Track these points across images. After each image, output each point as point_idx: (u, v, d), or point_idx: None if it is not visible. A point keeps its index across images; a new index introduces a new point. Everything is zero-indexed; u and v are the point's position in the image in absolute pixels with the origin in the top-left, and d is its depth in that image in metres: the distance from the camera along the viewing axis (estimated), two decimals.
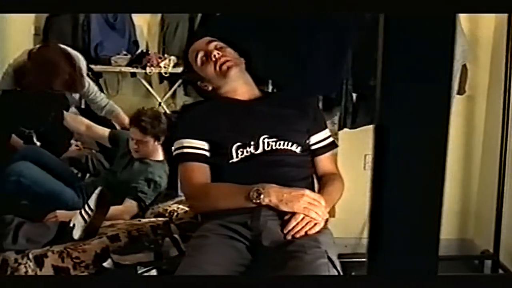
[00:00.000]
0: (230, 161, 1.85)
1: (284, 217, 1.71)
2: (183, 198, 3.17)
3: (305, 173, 1.93)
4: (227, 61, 1.95)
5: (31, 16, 4.76)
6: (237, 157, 1.85)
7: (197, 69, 2.01)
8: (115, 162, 3.45)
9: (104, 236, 2.49)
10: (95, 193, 2.55)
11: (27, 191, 3.03)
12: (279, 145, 1.89)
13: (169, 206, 3.04)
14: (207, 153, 1.88)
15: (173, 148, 1.97)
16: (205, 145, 1.88)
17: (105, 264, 2.37)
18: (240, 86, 1.99)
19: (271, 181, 1.77)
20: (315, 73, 2.10)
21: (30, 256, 2.42)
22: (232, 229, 1.70)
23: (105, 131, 3.55)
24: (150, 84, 4.95)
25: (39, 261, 2.40)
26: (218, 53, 1.95)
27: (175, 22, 4.76)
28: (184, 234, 2.60)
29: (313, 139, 1.99)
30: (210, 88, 2.03)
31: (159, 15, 4.86)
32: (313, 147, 1.99)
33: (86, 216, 2.51)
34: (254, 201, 1.70)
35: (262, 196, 1.69)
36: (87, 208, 2.53)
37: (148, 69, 4.55)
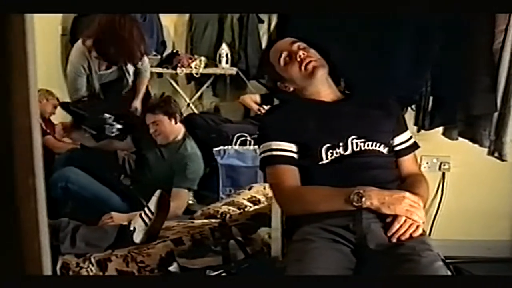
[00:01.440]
0: (320, 163, 1.77)
1: (386, 220, 1.64)
2: (233, 199, 3.12)
3: (393, 174, 1.86)
4: (312, 61, 1.87)
5: (59, 16, 4.68)
6: (326, 158, 1.77)
7: (279, 69, 1.93)
8: (146, 161, 3.36)
9: (168, 239, 2.41)
10: (155, 196, 2.47)
11: (75, 196, 2.95)
12: (368, 145, 1.81)
13: (220, 208, 2.96)
14: (295, 155, 1.80)
15: (259, 151, 1.89)
16: (293, 147, 1.80)
17: (171, 268, 2.29)
18: (324, 88, 1.91)
19: (363, 183, 1.70)
20: (398, 74, 2.02)
21: (92, 260, 2.33)
22: (334, 232, 1.62)
23: None
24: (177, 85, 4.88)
25: (102, 265, 2.31)
26: (303, 53, 1.88)
27: (204, 23, 4.70)
28: (246, 236, 2.54)
29: (397, 140, 1.92)
30: (291, 89, 1.94)
31: (187, 15, 4.80)
32: (397, 148, 1.92)
33: (146, 219, 2.43)
34: (355, 203, 1.62)
35: (363, 199, 1.62)
36: (147, 211, 2.44)
37: (178, 70, 4.48)
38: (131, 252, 2.32)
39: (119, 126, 3.29)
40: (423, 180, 1.90)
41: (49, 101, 4.07)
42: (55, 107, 4.14)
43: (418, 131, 2.17)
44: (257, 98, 4.36)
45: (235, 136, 3.55)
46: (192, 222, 2.73)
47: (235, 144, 3.53)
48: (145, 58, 3.55)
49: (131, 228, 2.43)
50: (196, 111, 4.62)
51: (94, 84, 3.34)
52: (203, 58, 4.53)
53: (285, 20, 2.11)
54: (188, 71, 4.48)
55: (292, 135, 1.81)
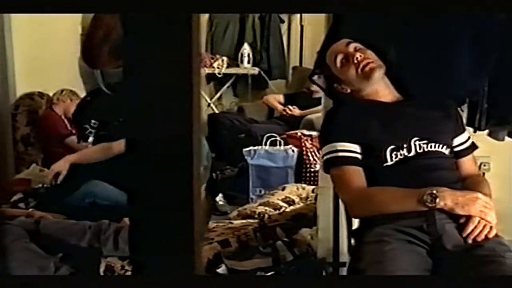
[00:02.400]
0: (385, 165, 1.73)
1: (459, 221, 1.60)
2: (267, 199, 3.07)
3: (456, 175, 1.82)
4: (370, 63, 1.83)
5: (79, 16, 4.62)
6: (391, 160, 1.73)
7: (336, 71, 1.89)
8: None
9: (214, 241, 2.36)
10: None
11: (102, 209, 2.87)
12: (430, 147, 1.78)
13: (256, 208, 2.92)
14: (360, 156, 1.76)
15: (322, 153, 1.84)
16: (357, 148, 1.76)
17: (219, 270, 2.25)
18: (382, 89, 1.87)
19: (428, 185, 1.67)
20: (458, 74, 1.98)
21: None
22: (409, 233, 1.58)
23: None
24: None
25: None
26: (360, 55, 1.83)
27: (225, 23, 4.65)
28: (291, 237, 2.50)
29: (456, 141, 1.88)
30: (348, 90, 1.90)
31: (207, 15, 4.74)
32: (457, 149, 1.88)
33: None
34: (428, 204, 1.58)
35: (437, 200, 1.58)
36: None
37: (201, 70, 4.43)
38: None
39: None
40: (484, 181, 1.86)
41: (73, 101, 4.00)
42: None
43: (475, 131, 2.12)
44: (281, 98, 4.32)
45: (265, 137, 3.51)
46: (231, 223, 2.68)
47: (265, 145, 3.49)
48: None
49: None
50: (216, 111, 4.57)
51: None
52: (225, 58, 4.48)
53: (339, 20, 2.06)
54: (210, 71, 4.43)
55: (355, 136, 1.76)
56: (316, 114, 3.90)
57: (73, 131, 3.91)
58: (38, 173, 3.49)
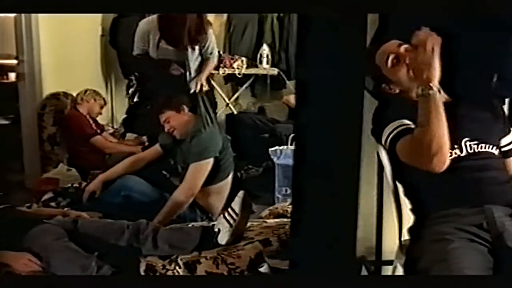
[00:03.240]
0: None
1: None
2: None
3: (507, 175, 1.82)
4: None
5: (98, 16, 4.60)
6: None
7: (386, 72, 1.88)
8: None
9: (255, 240, 2.35)
10: (238, 197, 2.40)
11: (137, 204, 2.87)
12: (481, 147, 1.78)
13: (287, 207, 2.91)
14: None
15: (386, 132, 1.82)
16: None
17: (261, 269, 2.24)
18: None
19: (483, 184, 1.67)
20: (503, 75, 1.98)
21: (180, 262, 2.27)
22: (470, 232, 1.58)
23: None
24: None
25: (191, 267, 2.25)
26: (410, 58, 1.83)
27: (243, 24, 4.63)
28: None
29: (504, 141, 1.89)
30: (397, 90, 1.90)
31: (225, 15, 4.73)
32: (504, 149, 1.88)
33: (231, 220, 2.36)
34: None
35: None
36: (231, 212, 2.38)
37: (221, 70, 4.42)
38: (221, 254, 2.26)
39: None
40: None
41: (97, 101, 3.99)
42: (101, 107, 4.07)
43: None
44: None
45: (290, 136, 3.49)
46: (266, 222, 2.68)
47: (291, 144, 3.48)
48: (211, 44, 3.72)
49: (215, 230, 2.37)
50: (235, 111, 4.56)
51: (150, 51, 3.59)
52: (244, 59, 4.47)
53: (386, 22, 2.05)
54: (230, 71, 4.42)
55: None
56: None
57: (98, 131, 3.90)
58: (65, 172, 3.49)
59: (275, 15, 4.57)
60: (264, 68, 4.47)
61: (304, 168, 0.63)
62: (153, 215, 2.74)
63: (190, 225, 2.57)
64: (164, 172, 3.45)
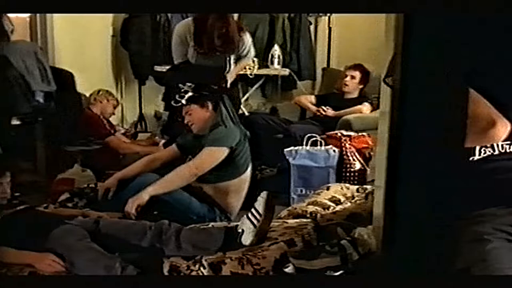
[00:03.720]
0: (471, 158, 1.74)
1: None
2: (315, 199, 3.05)
3: None
4: None
5: (110, 17, 4.58)
6: (479, 154, 1.74)
7: None
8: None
9: (279, 241, 2.34)
10: (261, 197, 2.38)
11: (157, 201, 2.85)
12: None
13: (306, 207, 2.89)
14: None
15: None
16: None
17: (287, 270, 2.22)
18: None
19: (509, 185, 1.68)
20: None
21: (204, 262, 2.25)
22: (507, 232, 1.58)
23: None
24: None
25: (216, 268, 2.23)
26: None
27: (254, 24, 4.62)
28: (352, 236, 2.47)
29: None
30: None
31: (236, 15, 4.71)
32: None
33: (255, 221, 2.34)
34: None
35: None
36: (254, 213, 2.36)
37: None
38: (246, 255, 2.24)
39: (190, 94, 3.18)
40: None
41: (110, 101, 3.98)
42: (114, 108, 4.06)
43: None
44: (312, 99, 4.31)
45: (305, 137, 3.48)
46: (286, 222, 2.66)
47: (306, 145, 3.47)
48: (247, 47, 3.72)
49: (239, 230, 2.36)
50: (246, 112, 4.55)
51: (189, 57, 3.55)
52: (255, 59, 4.45)
53: (411, 23, 2.04)
54: (242, 72, 4.40)
55: None
56: (354, 115, 3.89)
57: (112, 131, 3.88)
58: (80, 172, 3.47)
59: (286, 15, 4.56)
60: (276, 69, 4.46)
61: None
62: (173, 214, 2.73)
63: (213, 226, 2.55)
64: None
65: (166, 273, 2.30)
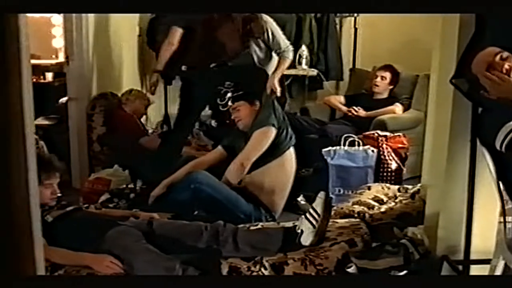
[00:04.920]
0: None
1: None
2: (359, 198, 3.03)
3: None
4: None
5: (136, 17, 4.54)
6: None
7: (483, 81, 1.88)
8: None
9: (340, 241, 2.32)
10: (319, 198, 2.37)
11: (206, 198, 2.82)
12: None
13: (352, 207, 2.87)
14: None
15: (498, 143, 1.82)
16: None
17: (349, 270, 2.21)
18: None
19: None
20: None
21: (266, 263, 2.23)
22: None
23: None
24: None
25: (278, 269, 2.22)
26: (509, 65, 1.82)
27: (281, 25, 4.58)
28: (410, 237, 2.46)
29: None
30: (495, 97, 1.89)
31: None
32: None
33: (313, 221, 2.33)
34: None
35: None
36: (313, 213, 2.35)
37: None
38: (309, 255, 2.23)
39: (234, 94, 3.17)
40: None
41: (141, 101, 3.94)
42: (146, 107, 4.02)
43: None
44: (341, 99, 4.29)
45: (343, 137, 3.47)
46: (337, 222, 2.64)
47: (343, 145, 3.45)
48: (277, 40, 3.74)
49: (298, 231, 2.34)
50: None
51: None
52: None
53: (483, 27, 2.03)
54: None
55: None
56: (388, 115, 3.88)
57: (145, 131, 3.85)
58: (118, 173, 3.42)
59: (313, 15, 4.54)
60: (304, 69, 4.44)
61: None
62: (223, 212, 2.71)
63: (270, 227, 2.53)
64: None
65: (225, 274, 2.28)
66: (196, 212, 2.92)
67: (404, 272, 2.16)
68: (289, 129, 3.08)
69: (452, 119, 2.22)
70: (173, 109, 4.83)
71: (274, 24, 3.79)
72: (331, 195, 3.50)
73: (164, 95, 4.65)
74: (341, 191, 3.41)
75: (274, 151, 3.00)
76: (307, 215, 2.36)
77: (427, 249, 2.36)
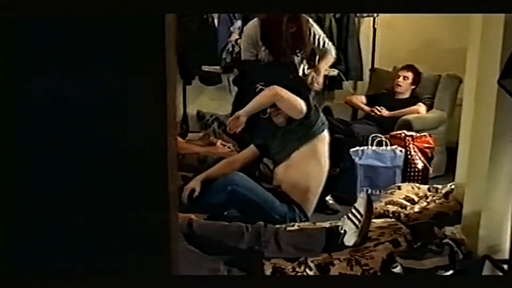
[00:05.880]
0: None
1: None
2: (391, 198, 3.04)
3: None
4: None
5: None
6: None
7: None
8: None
9: (384, 241, 2.33)
10: (361, 198, 2.38)
11: (243, 200, 2.81)
12: None
13: (385, 207, 2.88)
14: None
15: None
16: None
17: (395, 270, 2.22)
18: None
19: None
20: None
21: (311, 264, 2.24)
22: None
23: None
24: None
25: (324, 269, 2.22)
26: None
27: None
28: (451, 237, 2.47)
29: None
30: None
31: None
32: None
33: (356, 221, 2.34)
34: None
35: None
36: (355, 213, 2.36)
37: None
38: (354, 256, 2.24)
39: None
40: None
41: None
42: None
43: None
44: (363, 99, 4.31)
45: (370, 137, 3.48)
46: (374, 222, 2.65)
47: (371, 145, 3.46)
48: (321, 40, 3.79)
49: (341, 231, 2.35)
50: None
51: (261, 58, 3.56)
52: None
53: None
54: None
55: None
56: (413, 115, 3.89)
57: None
58: None
59: (333, 15, 4.54)
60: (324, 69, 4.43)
61: None
62: (258, 213, 2.70)
63: (313, 227, 2.54)
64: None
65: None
66: (226, 213, 2.93)
67: (450, 272, 2.17)
68: (320, 113, 3.06)
69: (496, 118, 2.23)
70: (192, 109, 4.84)
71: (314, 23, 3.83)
72: (359, 195, 3.52)
73: (183, 95, 4.66)
74: (369, 191, 3.42)
75: (306, 131, 2.98)
76: (349, 215, 2.37)
77: (469, 249, 2.38)
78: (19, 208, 0.71)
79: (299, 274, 2.24)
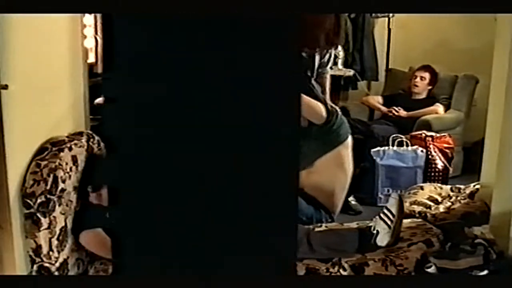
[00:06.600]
0: None
1: None
2: (415, 198, 3.05)
3: None
4: None
5: None
6: None
7: None
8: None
9: (418, 241, 2.34)
10: (393, 198, 2.39)
11: None
12: None
13: (411, 207, 2.89)
14: None
15: None
16: None
17: (429, 270, 2.23)
18: None
19: None
20: None
21: (345, 264, 2.25)
22: None
23: None
24: None
25: (358, 269, 2.23)
26: None
27: None
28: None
29: None
30: None
31: None
32: None
33: (388, 222, 2.35)
34: None
35: None
36: (388, 213, 2.36)
37: None
38: (389, 256, 2.24)
39: None
40: None
41: None
42: None
43: None
44: (380, 99, 4.31)
45: (391, 137, 3.49)
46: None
47: (392, 145, 3.47)
48: None
49: (374, 232, 2.35)
50: None
51: None
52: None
53: None
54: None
55: None
56: (432, 115, 3.90)
57: None
58: None
59: (347, 15, 4.55)
60: (340, 69, 4.45)
61: None
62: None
63: (344, 228, 2.55)
64: None
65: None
66: None
67: (485, 272, 2.18)
68: (344, 120, 2.98)
69: None
70: None
71: None
72: (380, 195, 3.54)
73: None
74: (390, 191, 3.43)
75: (330, 138, 2.93)
76: (382, 215, 2.37)
77: (500, 249, 2.39)
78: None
79: (333, 274, 2.26)
